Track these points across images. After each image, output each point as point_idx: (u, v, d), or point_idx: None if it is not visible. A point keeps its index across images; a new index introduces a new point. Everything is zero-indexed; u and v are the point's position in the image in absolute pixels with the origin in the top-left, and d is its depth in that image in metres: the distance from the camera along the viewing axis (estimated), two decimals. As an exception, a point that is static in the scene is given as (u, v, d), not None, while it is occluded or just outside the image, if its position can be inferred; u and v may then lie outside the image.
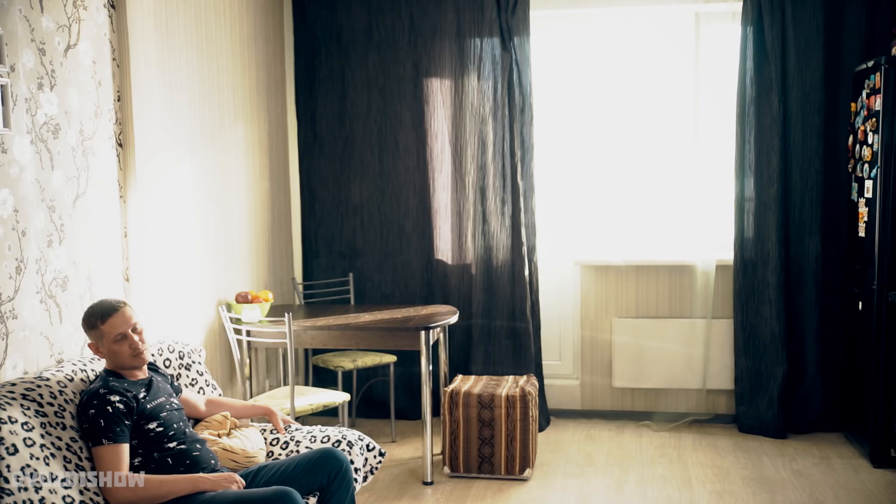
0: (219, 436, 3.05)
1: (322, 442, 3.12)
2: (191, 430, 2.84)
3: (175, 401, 2.85)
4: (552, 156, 5.12)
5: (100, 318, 2.68)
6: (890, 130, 4.02)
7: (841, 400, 4.69)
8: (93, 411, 2.55)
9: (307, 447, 3.13)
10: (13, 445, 2.31)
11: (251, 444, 3.06)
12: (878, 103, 4.07)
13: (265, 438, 3.19)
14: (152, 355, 3.13)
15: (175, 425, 2.74)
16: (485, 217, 4.92)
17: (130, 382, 2.70)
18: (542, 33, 5.04)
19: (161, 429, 2.69)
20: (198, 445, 2.77)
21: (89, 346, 2.74)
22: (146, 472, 2.62)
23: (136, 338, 2.70)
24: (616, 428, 4.92)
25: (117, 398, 2.59)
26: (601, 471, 4.21)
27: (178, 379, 3.23)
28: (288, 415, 3.68)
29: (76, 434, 2.57)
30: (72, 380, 2.69)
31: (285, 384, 4.46)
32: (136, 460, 2.64)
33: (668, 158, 5.01)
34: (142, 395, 2.69)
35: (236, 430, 3.12)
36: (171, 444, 2.70)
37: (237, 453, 2.98)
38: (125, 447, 2.57)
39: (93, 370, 2.82)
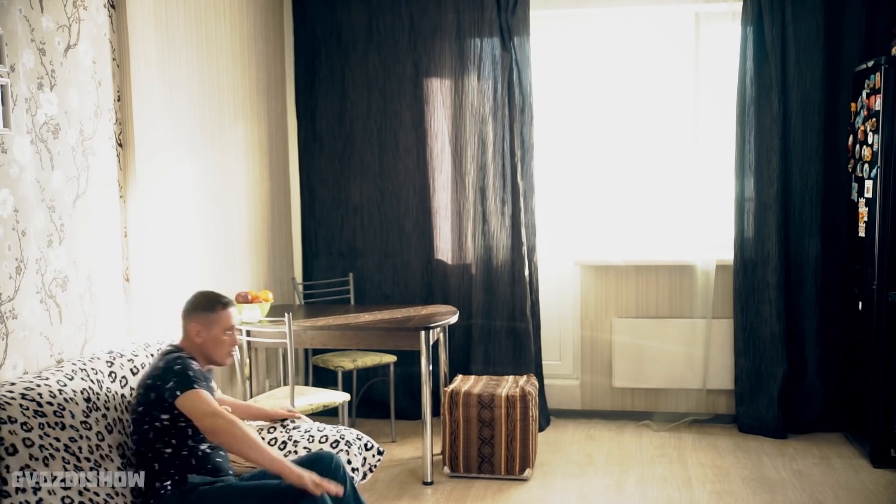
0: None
1: (320, 442, 3.12)
2: None
3: None
4: (552, 156, 5.12)
5: (221, 304, 2.77)
6: (890, 130, 4.02)
7: (841, 400, 4.69)
8: (178, 367, 2.61)
9: (305, 447, 3.13)
10: (13, 446, 2.31)
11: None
12: (878, 103, 4.07)
13: (262, 439, 3.19)
14: (151, 355, 3.13)
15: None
16: (485, 217, 4.92)
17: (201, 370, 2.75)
18: (542, 33, 5.04)
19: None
20: (221, 453, 2.77)
21: (190, 327, 2.75)
22: (167, 465, 2.62)
23: (236, 337, 2.80)
24: (616, 428, 4.92)
25: (197, 367, 2.67)
26: (601, 471, 4.21)
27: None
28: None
29: (75, 434, 2.56)
30: (71, 378, 2.69)
31: (285, 384, 4.46)
32: (167, 450, 2.63)
33: (668, 158, 5.02)
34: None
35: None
36: (203, 446, 2.69)
37: (237, 453, 2.98)
38: (208, 393, 2.61)
39: (93, 369, 2.81)
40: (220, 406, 2.92)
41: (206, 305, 2.76)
